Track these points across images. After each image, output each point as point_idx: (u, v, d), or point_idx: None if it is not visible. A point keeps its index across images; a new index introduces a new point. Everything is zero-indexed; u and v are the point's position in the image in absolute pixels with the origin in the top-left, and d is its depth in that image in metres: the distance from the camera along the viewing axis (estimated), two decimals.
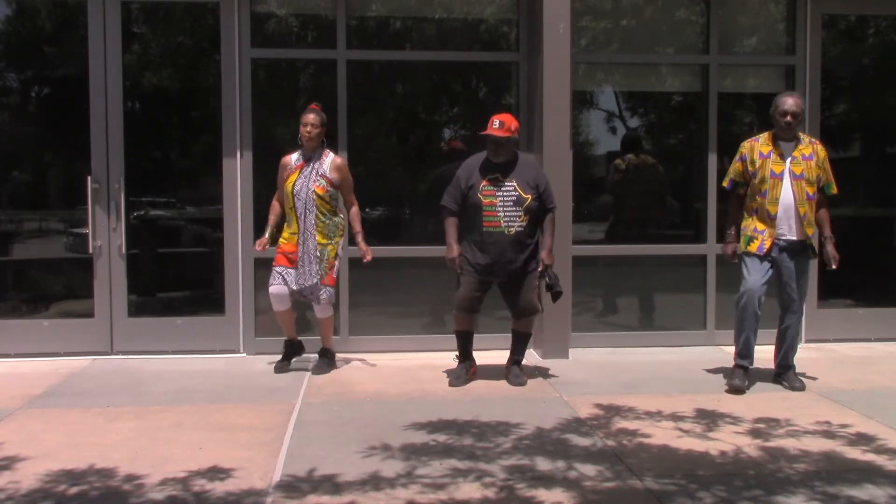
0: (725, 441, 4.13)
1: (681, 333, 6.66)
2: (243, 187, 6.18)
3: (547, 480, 3.57)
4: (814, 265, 6.68)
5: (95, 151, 6.13)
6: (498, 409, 4.71)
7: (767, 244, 5.08)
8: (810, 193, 5.09)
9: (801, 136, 5.19)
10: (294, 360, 5.80)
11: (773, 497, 3.38)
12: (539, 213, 5.29)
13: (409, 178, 6.70)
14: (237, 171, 6.20)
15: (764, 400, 4.96)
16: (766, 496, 3.39)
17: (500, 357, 5.71)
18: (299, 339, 5.82)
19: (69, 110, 6.18)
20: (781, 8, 6.77)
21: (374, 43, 6.51)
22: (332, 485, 3.52)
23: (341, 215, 5.66)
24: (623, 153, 6.77)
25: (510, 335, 5.52)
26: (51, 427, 4.38)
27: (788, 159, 5.08)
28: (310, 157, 5.54)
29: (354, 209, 5.70)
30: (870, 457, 3.89)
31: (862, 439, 4.15)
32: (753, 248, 5.11)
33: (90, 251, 6.12)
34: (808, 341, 6.72)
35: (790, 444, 4.09)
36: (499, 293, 5.44)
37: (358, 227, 5.68)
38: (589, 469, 3.72)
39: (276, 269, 5.53)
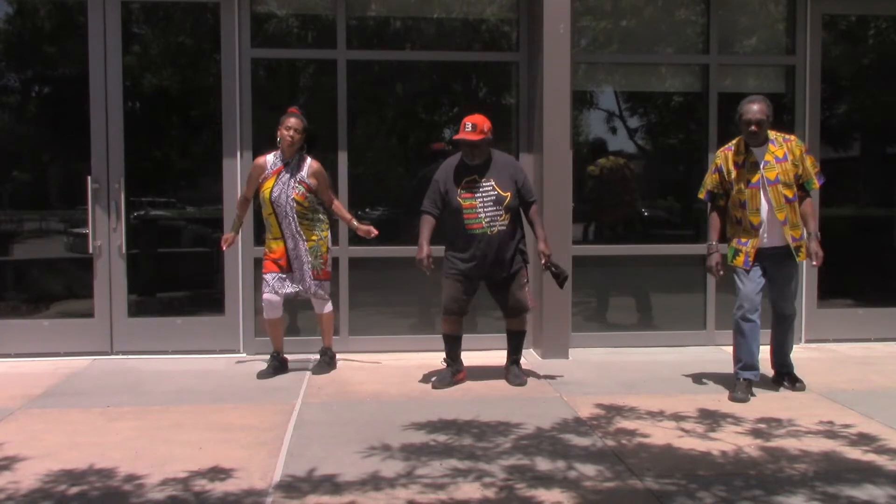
0: (725, 441, 4.13)
1: (681, 333, 6.65)
2: (243, 187, 6.17)
3: (547, 480, 3.57)
4: (810, 267, 6.70)
5: (95, 151, 6.13)
6: (498, 409, 4.71)
7: (751, 256, 4.96)
8: (789, 196, 4.92)
9: (773, 135, 4.98)
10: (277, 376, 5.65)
11: (774, 497, 3.38)
12: (520, 209, 5.26)
13: (409, 178, 6.70)
14: (237, 171, 6.20)
15: (764, 400, 4.96)
16: (767, 496, 3.39)
17: (498, 357, 5.71)
18: (285, 357, 5.74)
19: (69, 110, 6.18)
20: (781, 8, 6.77)
21: (374, 43, 6.51)
22: (332, 485, 3.52)
23: (322, 212, 5.62)
24: (595, 157, 6.75)
25: (507, 335, 5.50)
26: (51, 427, 4.38)
27: (762, 165, 4.91)
28: (287, 162, 5.48)
29: (336, 203, 5.67)
30: (870, 457, 3.89)
31: (862, 439, 4.15)
32: (739, 262, 4.99)
33: (90, 251, 6.12)
34: (808, 341, 6.72)
35: (790, 444, 4.09)
36: (492, 293, 5.43)
37: (347, 214, 5.68)
38: (589, 469, 3.72)
39: (267, 276, 5.50)
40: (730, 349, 5.26)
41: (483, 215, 5.14)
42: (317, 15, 6.50)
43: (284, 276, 5.50)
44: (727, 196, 5.08)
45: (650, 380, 5.48)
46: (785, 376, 5.26)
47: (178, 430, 4.31)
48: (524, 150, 6.49)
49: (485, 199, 5.15)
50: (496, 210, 5.15)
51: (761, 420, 4.50)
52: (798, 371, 5.69)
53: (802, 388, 5.15)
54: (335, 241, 6.36)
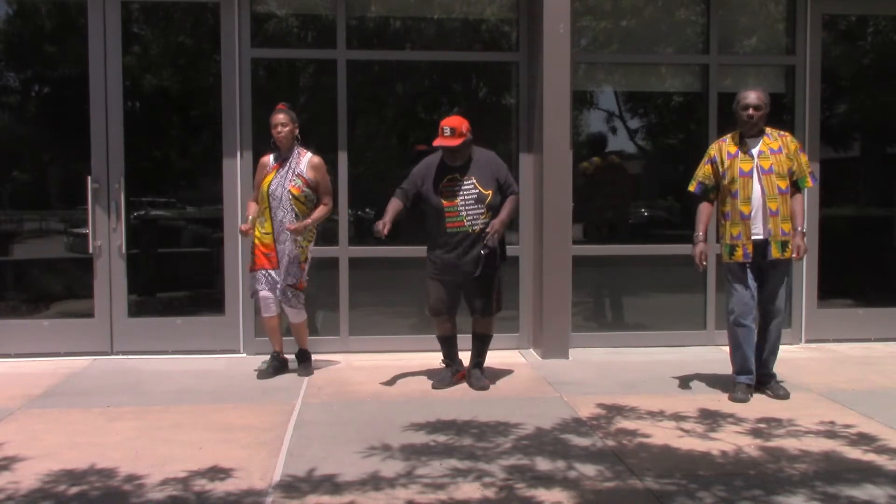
0: (725, 441, 4.13)
1: (681, 333, 6.65)
2: (243, 187, 6.18)
3: (547, 480, 3.57)
4: (810, 267, 6.70)
5: (95, 151, 6.13)
6: (498, 410, 4.71)
7: (749, 248, 4.89)
8: (782, 188, 4.88)
9: (768, 129, 4.98)
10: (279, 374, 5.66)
11: (774, 497, 3.38)
12: (500, 207, 5.16)
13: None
14: (237, 171, 6.20)
15: (764, 400, 4.96)
16: (767, 496, 3.39)
17: (498, 357, 5.71)
18: (286, 357, 5.73)
19: (69, 110, 6.18)
20: (781, 8, 6.77)
21: (374, 43, 6.51)
22: (331, 485, 3.52)
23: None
24: (589, 155, 6.74)
25: (472, 338, 5.40)
26: (51, 427, 4.38)
27: (756, 155, 4.91)
28: (285, 158, 5.50)
29: (322, 207, 5.56)
30: (870, 457, 3.88)
31: (862, 439, 4.15)
32: (739, 256, 4.92)
33: (90, 251, 6.12)
34: (808, 341, 6.73)
35: (790, 444, 4.09)
36: (465, 293, 5.33)
37: (316, 214, 5.51)
38: (589, 469, 3.72)
39: (260, 273, 5.49)
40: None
41: (464, 214, 5.09)
42: (317, 15, 6.50)
43: (272, 271, 5.49)
44: (718, 190, 5.04)
45: (650, 380, 5.48)
46: (767, 384, 5.08)
47: (178, 430, 4.31)
48: (524, 150, 6.50)
49: (466, 198, 5.10)
50: (477, 208, 5.10)
51: (761, 420, 4.50)
52: (798, 371, 5.71)
53: (787, 397, 4.96)
54: (335, 241, 6.37)
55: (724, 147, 5.01)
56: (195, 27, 6.41)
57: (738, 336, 4.96)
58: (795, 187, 4.98)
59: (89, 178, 6.09)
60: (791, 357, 6.20)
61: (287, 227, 5.38)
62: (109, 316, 6.21)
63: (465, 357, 5.48)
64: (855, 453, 3.94)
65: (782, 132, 5.05)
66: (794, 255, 4.93)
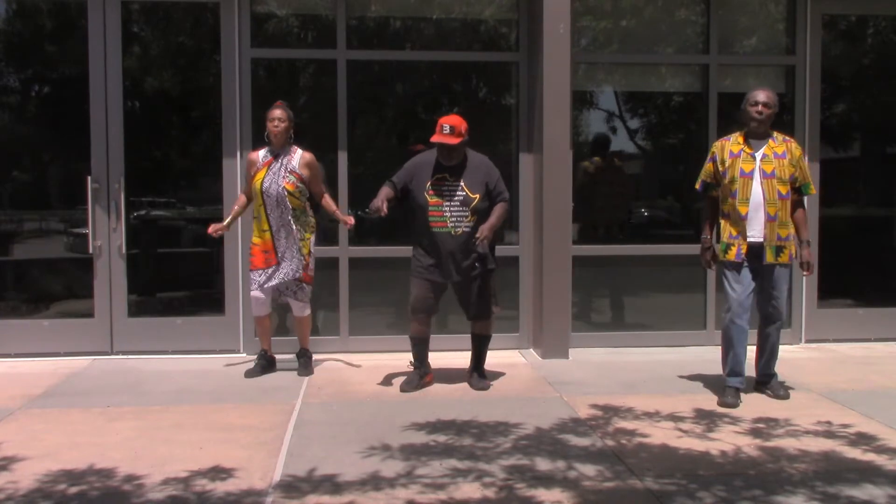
0: (725, 441, 4.13)
1: (681, 333, 6.66)
2: (243, 187, 6.18)
3: (547, 480, 3.57)
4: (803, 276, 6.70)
5: (95, 151, 6.13)
6: (498, 409, 4.71)
7: (744, 248, 4.87)
8: (783, 193, 4.85)
9: (774, 133, 4.97)
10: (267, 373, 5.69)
11: (773, 497, 3.38)
12: (487, 212, 5.15)
13: None
14: (237, 171, 6.20)
15: (764, 400, 4.96)
16: (766, 496, 3.39)
17: (498, 357, 5.71)
18: (273, 355, 5.76)
19: (69, 110, 6.18)
20: (781, 8, 6.77)
21: (374, 43, 6.52)
22: (331, 485, 3.52)
23: (311, 213, 5.62)
24: (591, 155, 6.74)
25: (471, 339, 5.39)
26: (51, 427, 4.38)
27: (759, 157, 4.88)
28: (278, 154, 5.51)
29: (326, 197, 5.64)
30: (870, 457, 3.89)
31: (862, 439, 4.15)
32: (731, 255, 4.89)
33: (90, 251, 6.12)
34: (808, 341, 6.73)
35: (790, 443, 4.09)
36: (457, 295, 5.33)
37: (333, 206, 5.62)
38: (589, 469, 3.72)
39: (255, 273, 5.50)
40: None
41: (448, 214, 5.07)
42: (317, 15, 6.50)
43: (270, 271, 5.49)
44: (719, 187, 5.03)
45: (650, 380, 5.48)
46: (767, 384, 5.09)
47: (178, 430, 4.31)
48: (524, 150, 6.50)
49: (452, 199, 5.08)
50: (462, 211, 5.08)
51: (761, 420, 4.51)
52: (798, 371, 5.71)
53: (787, 397, 4.96)
54: (335, 241, 6.38)
55: (726, 146, 5.00)
56: (195, 27, 6.41)
57: (732, 335, 4.91)
58: (798, 194, 4.97)
59: (89, 178, 6.09)
60: (791, 357, 6.20)
61: (348, 223, 5.53)
62: (109, 316, 6.21)
63: (465, 357, 5.48)
64: (855, 453, 3.94)
65: (787, 137, 5.02)
66: (804, 273, 4.98)
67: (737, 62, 6.74)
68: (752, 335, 5.07)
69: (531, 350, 6.47)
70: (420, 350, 5.32)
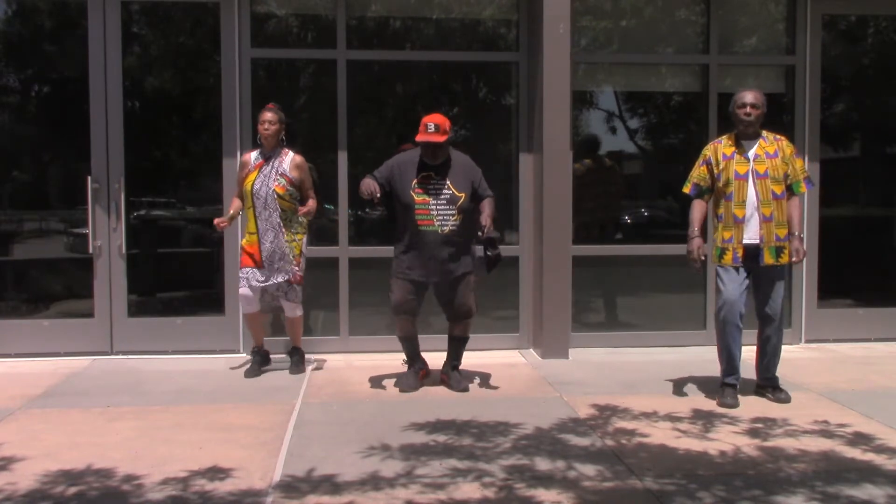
0: (725, 441, 4.13)
1: (680, 333, 6.66)
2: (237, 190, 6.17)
3: (546, 480, 3.57)
4: (810, 267, 6.70)
5: (95, 151, 6.13)
6: (497, 410, 4.71)
7: (740, 252, 4.83)
8: (777, 193, 4.83)
9: (765, 132, 4.93)
10: (264, 368, 5.72)
11: (773, 497, 3.38)
12: (472, 211, 5.15)
13: None
14: (237, 171, 6.19)
15: (763, 400, 4.95)
16: (766, 496, 3.39)
17: (496, 357, 5.71)
18: (266, 350, 5.78)
19: (69, 110, 6.19)
20: (781, 8, 6.77)
21: (374, 43, 6.52)
22: (331, 485, 3.52)
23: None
24: (582, 157, 6.73)
25: (449, 340, 5.38)
26: (50, 427, 4.39)
27: (752, 158, 4.84)
28: (269, 156, 5.52)
29: (311, 203, 5.60)
30: (869, 456, 3.89)
31: (862, 439, 4.15)
32: (728, 260, 4.84)
33: (90, 251, 6.12)
34: (808, 341, 6.73)
35: (789, 443, 4.09)
36: (437, 296, 5.30)
37: (311, 204, 5.58)
38: (588, 469, 3.72)
39: (243, 271, 5.51)
40: None
41: (435, 213, 5.05)
42: (317, 15, 6.50)
43: (258, 270, 5.50)
44: (712, 192, 4.99)
45: (650, 380, 5.48)
46: (769, 387, 5.04)
47: (178, 430, 4.31)
48: (524, 150, 6.50)
49: (438, 198, 5.06)
50: (449, 210, 5.06)
51: (761, 420, 4.50)
52: (798, 371, 5.71)
53: (788, 400, 4.91)
54: (335, 241, 6.38)
55: (719, 148, 4.97)
56: (195, 27, 6.41)
57: (727, 335, 4.87)
58: (790, 192, 4.93)
59: (89, 178, 6.09)
60: (791, 357, 6.20)
61: (300, 213, 5.43)
62: (109, 316, 6.21)
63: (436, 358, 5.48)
64: (854, 453, 3.94)
65: (778, 136, 4.99)
66: (793, 259, 4.87)
67: (737, 62, 6.74)
68: (749, 336, 5.06)
69: (531, 350, 6.47)
70: (411, 347, 5.33)
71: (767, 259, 4.85)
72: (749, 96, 4.85)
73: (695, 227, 4.94)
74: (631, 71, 6.84)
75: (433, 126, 5.00)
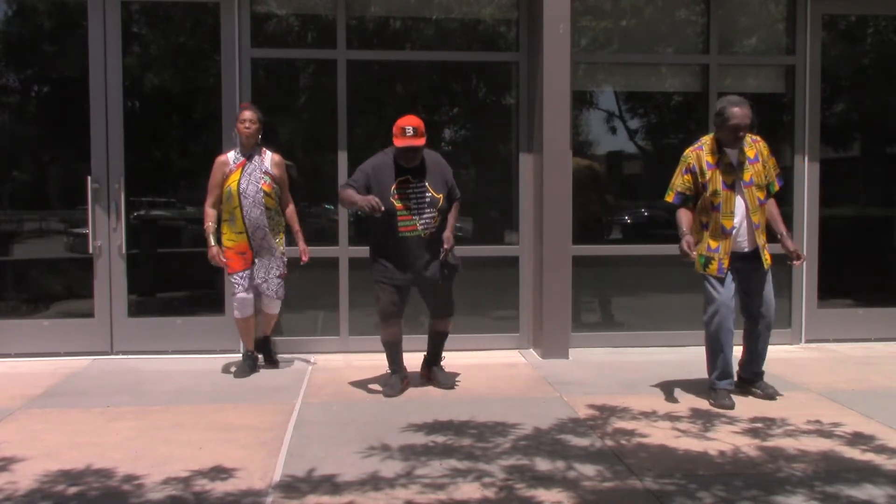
0: (724, 441, 4.14)
1: (680, 333, 6.65)
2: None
3: (546, 480, 3.57)
4: (810, 267, 6.70)
5: (95, 151, 6.13)
6: (497, 410, 4.71)
7: (726, 263, 4.78)
8: (761, 199, 4.81)
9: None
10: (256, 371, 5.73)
11: (773, 497, 3.38)
12: (447, 210, 5.15)
13: None
14: None
15: (764, 400, 4.95)
16: (766, 496, 3.39)
17: (496, 357, 5.70)
18: (258, 355, 5.80)
19: (69, 110, 6.19)
20: (781, 8, 6.77)
21: (374, 43, 6.52)
22: (331, 485, 3.52)
23: (281, 213, 5.66)
24: (593, 157, 6.71)
25: (432, 337, 5.38)
26: (51, 427, 4.39)
27: (737, 166, 4.77)
28: (250, 155, 5.52)
29: (291, 207, 5.70)
30: (869, 456, 3.89)
31: (861, 439, 4.15)
32: (713, 270, 4.78)
33: (90, 251, 6.12)
34: (808, 341, 6.73)
35: (789, 443, 4.09)
36: (423, 295, 5.29)
37: (297, 225, 5.72)
38: (588, 469, 3.72)
39: (237, 276, 5.50)
40: None
41: (417, 217, 4.99)
42: (317, 15, 6.50)
43: (250, 270, 5.52)
44: (696, 199, 4.88)
45: (650, 380, 5.48)
46: (757, 384, 5.03)
47: (178, 430, 4.31)
48: (524, 150, 6.50)
49: (419, 202, 5.01)
50: (430, 213, 5.02)
51: (761, 420, 4.51)
52: (798, 371, 5.71)
53: (775, 396, 4.92)
54: (335, 241, 6.38)
55: (701, 156, 4.82)
56: (195, 27, 6.41)
57: (722, 341, 4.83)
58: (767, 192, 4.91)
59: (89, 178, 6.09)
60: (791, 357, 6.21)
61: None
62: (109, 316, 6.21)
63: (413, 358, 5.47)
64: (854, 453, 3.94)
65: (755, 137, 4.92)
66: (795, 263, 4.85)
67: (737, 62, 6.74)
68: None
69: (531, 350, 6.47)
70: (397, 353, 5.25)
71: (766, 264, 4.86)
72: (742, 116, 4.67)
73: (683, 229, 4.80)
74: (631, 71, 6.84)
75: (411, 129, 4.92)
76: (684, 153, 4.92)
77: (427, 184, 5.04)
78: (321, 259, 6.27)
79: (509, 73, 6.62)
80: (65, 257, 6.37)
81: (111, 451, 3.96)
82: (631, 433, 4.26)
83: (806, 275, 6.70)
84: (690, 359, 6.13)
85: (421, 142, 4.95)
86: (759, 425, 4.40)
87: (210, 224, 5.52)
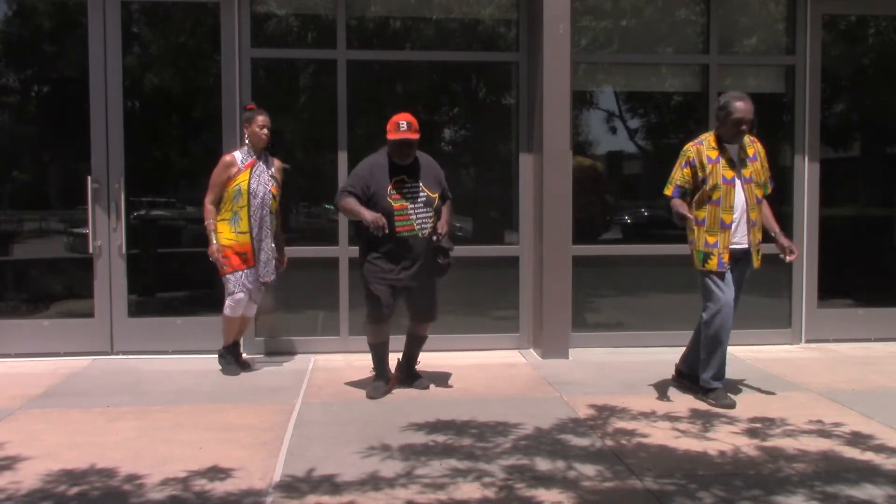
0: (724, 441, 4.14)
1: (681, 333, 6.61)
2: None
3: (546, 480, 3.57)
4: (810, 267, 6.70)
5: (95, 151, 6.13)
6: (497, 410, 4.71)
7: (726, 257, 4.78)
8: (759, 197, 4.84)
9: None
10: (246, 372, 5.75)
11: (773, 497, 3.38)
12: (439, 210, 5.15)
13: None
14: None
15: (763, 400, 4.96)
16: (766, 496, 3.39)
17: (496, 357, 5.69)
18: (240, 352, 5.84)
19: (69, 110, 6.19)
20: (781, 8, 6.77)
21: (374, 43, 6.52)
22: (331, 485, 3.52)
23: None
24: (593, 157, 6.71)
25: (411, 340, 5.36)
26: (51, 427, 4.39)
27: (738, 162, 4.79)
28: (259, 157, 5.55)
29: (278, 213, 5.71)
30: (869, 456, 3.89)
31: (861, 439, 4.15)
32: (713, 265, 4.77)
33: (90, 251, 6.12)
34: (808, 341, 6.73)
35: (789, 443, 4.09)
36: (408, 297, 5.24)
37: (281, 233, 5.76)
38: (588, 469, 3.72)
39: (236, 275, 5.49)
40: (730, 349, 5.15)
41: (414, 217, 4.98)
42: (317, 15, 6.50)
43: (250, 271, 5.52)
44: (693, 194, 4.89)
45: (650, 380, 5.48)
46: (694, 378, 5.00)
47: (178, 430, 4.31)
48: (524, 150, 6.50)
49: (416, 201, 4.99)
50: (426, 212, 5.02)
51: (760, 420, 4.50)
52: (798, 371, 5.71)
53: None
54: (335, 241, 6.38)
55: (702, 150, 4.84)
56: (195, 27, 6.41)
57: (723, 338, 4.82)
58: (763, 192, 4.94)
59: (89, 178, 6.09)
60: (791, 357, 6.21)
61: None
62: (109, 316, 6.21)
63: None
64: (854, 453, 3.94)
65: (752, 138, 4.94)
66: (788, 259, 4.85)
67: (737, 62, 6.74)
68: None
69: (531, 350, 6.47)
70: (383, 354, 5.21)
71: (756, 263, 4.88)
72: (746, 110, 4.71)
73: (680, 209, 4.77)
74: (631, 71, 6.84)
75: (405, 124, 4.91)
76: (684, 147, 4.96)
77: (421, 184, 5.04)
78: (321, 259, 6.27)
79: (509, 73, 6.61)
80: (65, 257, 6.37)
81: (111, 451, 3.96)
82: (631, 433, 4.26)
83: (806, 275, 6.70)
84: None
85: (415, 136, 4.94)
86: (758, 425, 4.40)
87: (211, 221, 5.52)
